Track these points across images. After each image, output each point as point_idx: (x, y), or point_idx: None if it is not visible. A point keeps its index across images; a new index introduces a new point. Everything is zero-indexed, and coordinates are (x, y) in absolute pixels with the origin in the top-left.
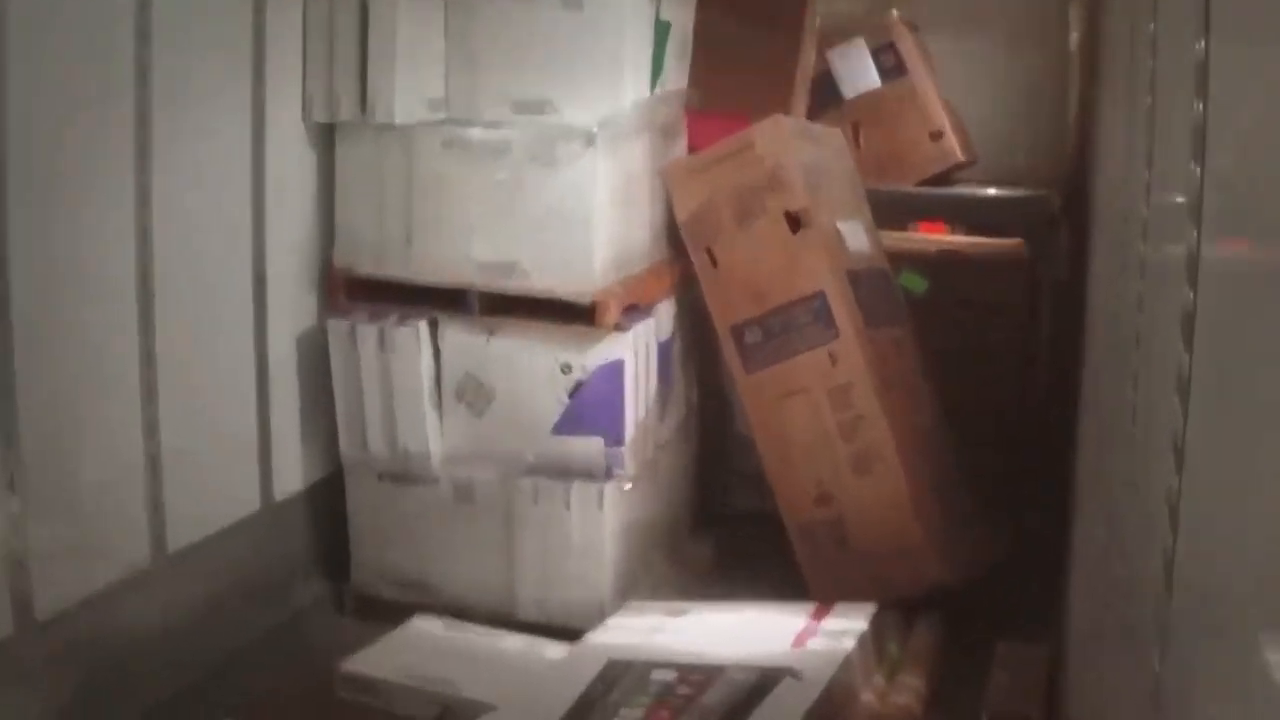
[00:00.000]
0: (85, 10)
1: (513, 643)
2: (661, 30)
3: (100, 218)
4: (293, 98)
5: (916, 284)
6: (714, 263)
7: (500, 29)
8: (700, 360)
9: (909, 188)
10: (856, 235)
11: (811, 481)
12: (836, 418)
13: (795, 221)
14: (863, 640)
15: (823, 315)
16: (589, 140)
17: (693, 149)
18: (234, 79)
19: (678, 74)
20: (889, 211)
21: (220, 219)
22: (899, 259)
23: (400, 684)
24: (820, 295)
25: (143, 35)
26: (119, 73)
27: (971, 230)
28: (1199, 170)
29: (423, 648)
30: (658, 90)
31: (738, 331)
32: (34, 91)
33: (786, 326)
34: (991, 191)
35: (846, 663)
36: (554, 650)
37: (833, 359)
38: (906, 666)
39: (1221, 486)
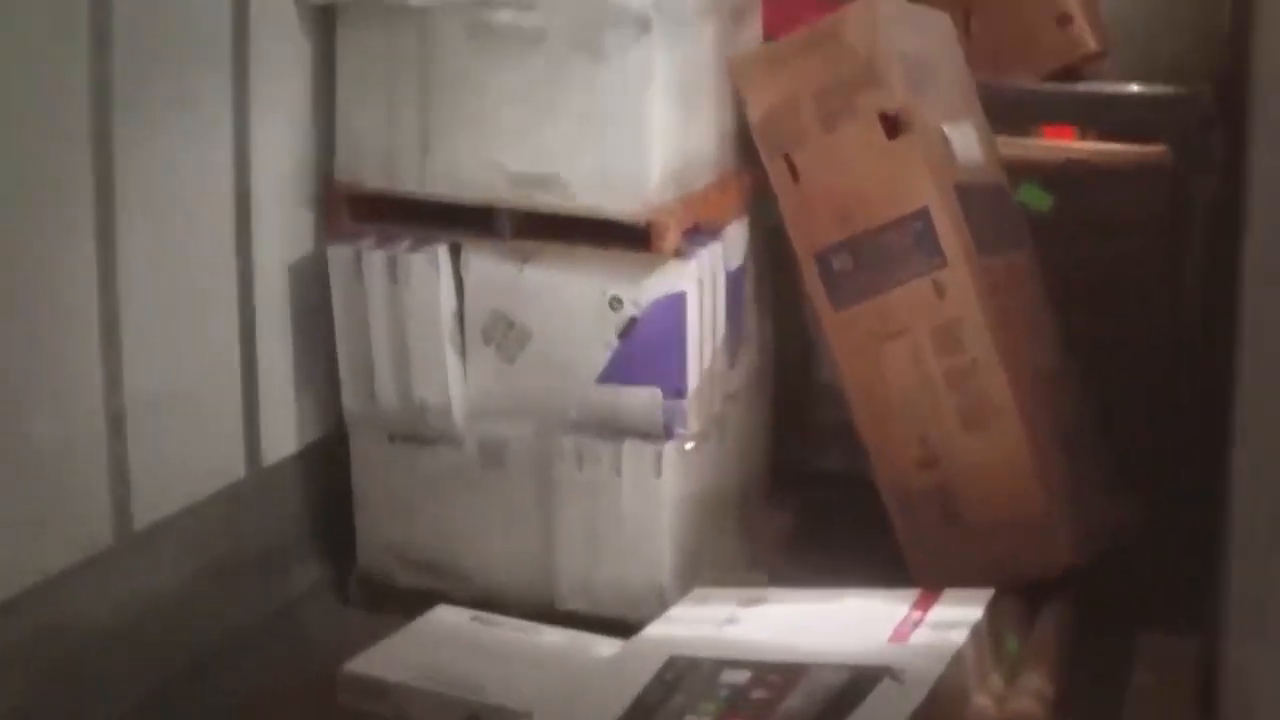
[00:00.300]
0: None
1: (552, 638)
2: None
3: (48, 117)
4: None
5: (1039, 200)
6: (794, 175)
7: None
8: (779, 294)
9: (1030, 84)
10: (967, 141)
11: (913, 441)
12: (943, 362)
13: (893, 124)
14: (976, 633)
15: (926, 238)
16: (643, 25)
17: (769, 37)
18: None
19: None
20: (1006, 113)
21: (195, 121)
22: (1018, 170)
23: (417, 688)
24: (923, 214)
25: None
26: None
27: (1105, 136)
28: None
29: (443, 645)
30: None
31: (823, 258)
32: None
33: (882, 252)
34: (1130, 88)
35: (957, 660)
36: (603, 647)
37: (938, 291)
38: (1028, 665)
39: None
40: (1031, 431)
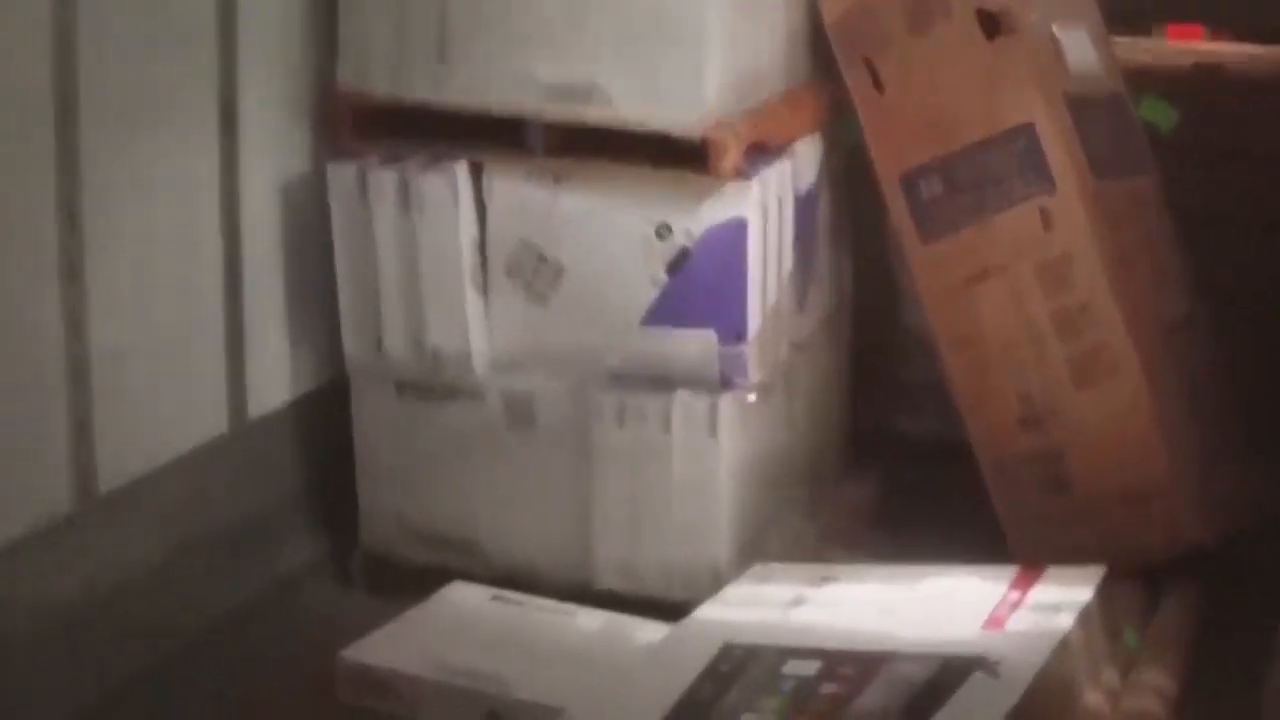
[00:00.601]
0: None
1: (588, 622)
2: None
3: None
4: None
5: (1163, 116)
6: (877, 84)
7: None
8: (858, 225)
9: None
10: (1080, 45)
11: (1013, 397)
12: (1050, 306)
13: (994, 24)
14: (1086, 616)
15: (1032, 159)
16: None
17: None
18: None
19: None
20: (1124, 9)
21: (171, 21)
22: (1139, 80)
23: (427, 680)
24: (1028, 130)
25: None
26: None
27: (1242, 36)
28: None
29: (460, 630)
30: None
31: (910, 182)
32: None
33: (980, 175)
34: None
35: (1063, 648)
36: (647, 632)
37: (1045, 221)
38: (1148, 659)
39: None
40: (1154, 387)
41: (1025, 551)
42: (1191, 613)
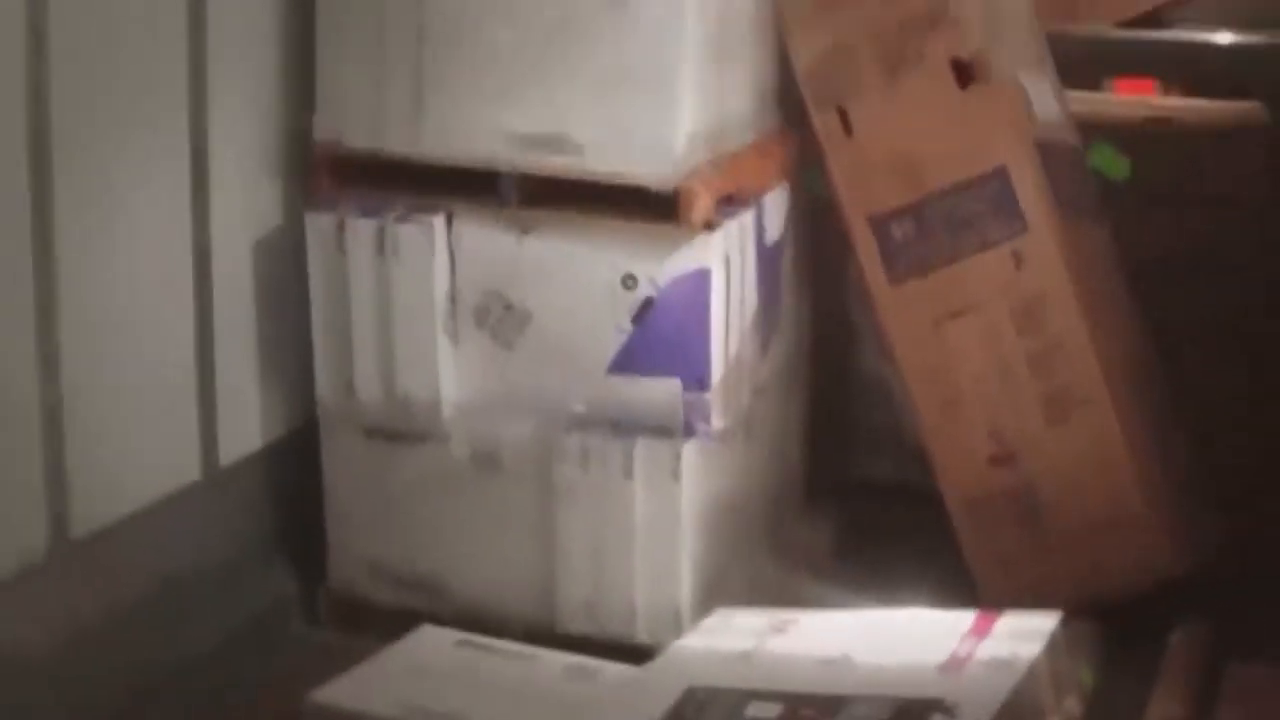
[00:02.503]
0: None
1: (553, 665)
2: None
3: None
4: None
5: (1115, 166)
6: (847, 129)
7: None
8: (818, 271)
9: (1105, 30)
10: (1043, 96)
11: (984, 435)
12: (1024, 345)
13: (966, 72)
14: (1044, 657)
15: (1004, 201)
16: None
17: None
18: None
19: None
20: (1078, 64)
21: (144, 68)
22: (1091, 131)
23: None
24: (1001, 173)
25: None
26: None
27: (1191, 91)
28: None
29: (427, 673)
30: None
31: (880, 225)
32: None
33: (952, 217)
34: (1221, 37)
35: (1024, 683)
36: (611, 674)
37: (1017, 261)
38: (1160, 694)
39: None
40: (1125, 421)
41: (993, 589)
42: (1199, 650)
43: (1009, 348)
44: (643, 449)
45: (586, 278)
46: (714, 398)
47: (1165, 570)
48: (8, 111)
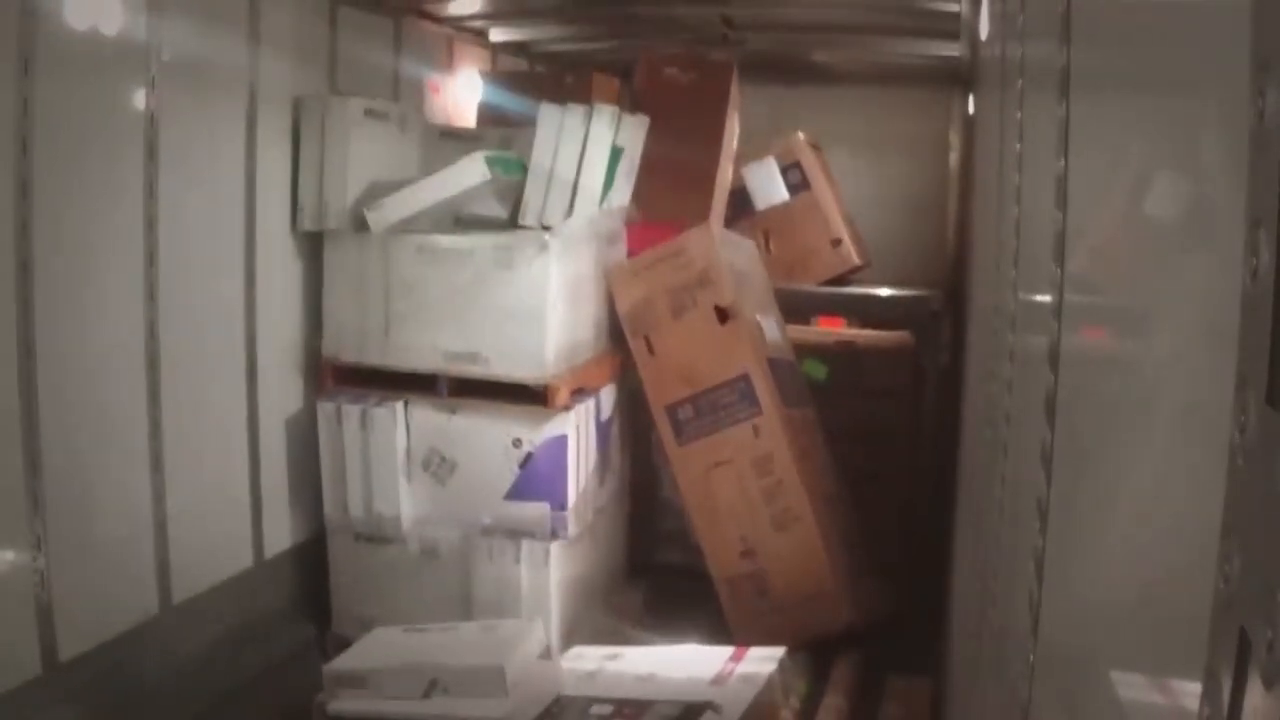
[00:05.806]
0: (103, 135)
1: (473, 628)
2: (615, 155)
3: (114, 312)
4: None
5: (818, 371)
6: (651, 350)
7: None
8: (633, 436)
9: (812, 287)
10: (771, 328)
11: (736, 539)
12: (759, 483)
13: (724, 314)
14: (782, 665)
15: (747, 394)
16: (542, 246)
17: (631, 253)
18: (229, 191)
19: (623, 191)
20: (794, 308)
21: (218, 315)
22: (802, 350)
23: (387, 668)
24: (745, 377)
25: (151, 154)
26: (129, 198)
27: (866, 324)
28: (1060, 272)
29: (395, 641)
30: (605, 205)
31: (671, 410)
32: (58, 214)
33: (715, 405)
34: (883, 291)
35: (764, 691)
36: (507, 627)
37: (756, 432)
38: (830, 691)
39: (1078, 545)
40: (823, 531)
41: (743, 635)
42: (856, 668)
43: (750, 485)
44: (526, 547)
45: (491, 440)
46: (570, 515)
47: (847, 621)
48: (132, 341)
